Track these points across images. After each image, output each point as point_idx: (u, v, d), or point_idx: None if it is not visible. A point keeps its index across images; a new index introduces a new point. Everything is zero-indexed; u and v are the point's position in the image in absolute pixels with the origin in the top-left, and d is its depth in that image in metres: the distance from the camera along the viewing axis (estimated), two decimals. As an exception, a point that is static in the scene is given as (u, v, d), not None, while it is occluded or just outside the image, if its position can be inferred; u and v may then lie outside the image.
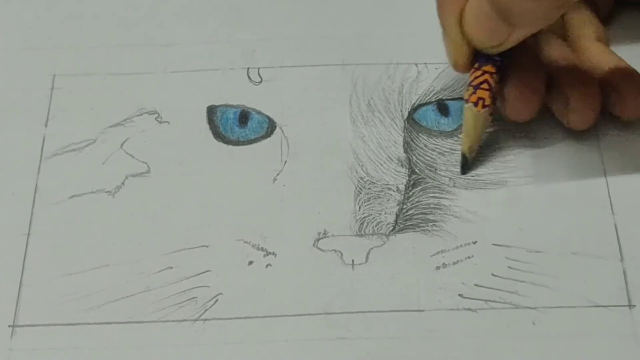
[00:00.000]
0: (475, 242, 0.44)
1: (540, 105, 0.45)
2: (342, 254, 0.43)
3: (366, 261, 0.43)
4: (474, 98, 0.44)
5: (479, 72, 0.44)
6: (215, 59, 0.50)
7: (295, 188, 0.46)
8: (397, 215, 0.44)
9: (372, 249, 0.43)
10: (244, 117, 0.48)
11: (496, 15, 0.41)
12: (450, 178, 0.46)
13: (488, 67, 0.44)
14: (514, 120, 0.46)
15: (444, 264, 0.43)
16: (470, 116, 0.45)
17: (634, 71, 0.46)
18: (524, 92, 0.45)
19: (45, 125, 0.48)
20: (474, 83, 0.45)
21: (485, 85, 0.44)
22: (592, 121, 0.46)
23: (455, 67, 0.45)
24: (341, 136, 0.47)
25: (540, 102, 0.45)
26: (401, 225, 0.44)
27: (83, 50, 0.51)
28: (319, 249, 0.44)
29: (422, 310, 0.42)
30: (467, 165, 0.46)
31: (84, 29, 0.52)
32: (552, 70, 0.46)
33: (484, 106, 0.44)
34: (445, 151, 0.47)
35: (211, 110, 0.48)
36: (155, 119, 0.48)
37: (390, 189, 0.45)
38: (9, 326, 0.42)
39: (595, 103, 0.45)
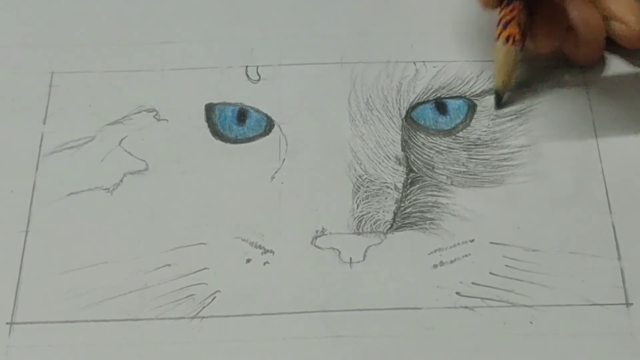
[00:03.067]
0: (472, 241, 0.44)
1: (561, 40, 0.48)
2: (340, 252, 0.43)
3: (364, 259, 0.43)
4: (504, 35, 0.46)
5: (508, 9, 0.46)
6: (214, 57, 0.50)
7: (293, 186, 0.46)
8: (395, 214, 0.44)
9: (370, 247, 0.43)
10: (242, 115, 0.48)
11: None
12: (447, 176, 0.46)
13: (516, 4, 0.46)
14: (538, 52, 0.48)
15: (441, 262, 0.43)
16: (501, 53, 0.46)
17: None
18: (549, 26, 0.47)
19: (44, 123, 0.48)
20: (503, 20, 0.46)
21: (514, 22, 0.46)
22: (598, 54, 0.49)
23: (485, 4, 0.47)
24: (339, 134, 0.47)
25: (561, 36, 0.48)
26: (399, 224, 0.44)
27: (81, 47, 0.51)
28: (317, 247, 0.44)
29: (420, 308, 0.42)
30: (501, 101, 0.47)
31: (83, 27, 0.52)
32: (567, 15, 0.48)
33: (514, 42, 0.46)
34: (443, 150, 0.47)
35: (209, 108, 0.48)
36: (154, 116, 0.48)
37: (388, 187, 0.45)
38: (7, 323, 0.42)
39: (601, 36, 0.48)
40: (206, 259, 0.43)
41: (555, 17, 0.47)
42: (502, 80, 0.47)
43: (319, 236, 0.44)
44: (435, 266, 0.43)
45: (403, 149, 0.47)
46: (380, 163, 0.46)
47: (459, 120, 0.48)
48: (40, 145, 0.47)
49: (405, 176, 0.46)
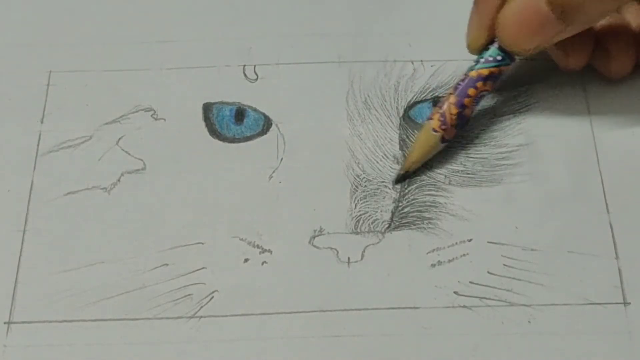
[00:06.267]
0: (470, 240, 0.44)
1: (589, 57, 0.47)
2: (337, 252, 0.43)
3: (362, 259, 0.43)
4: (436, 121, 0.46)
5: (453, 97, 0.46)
6: (211, 56, 0.50)
7: (291, 185, 0.46)
8: (393, 213, 0.44)
9: (367, 246, 0.43)
10: (240, 114, 0.48)
11: (553, 11, 0.43)
12: (445, 176, 0.46)
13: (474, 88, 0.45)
14: (568, 70, 0.48)
15: (439, 261, 0.43)
16: (424, 135, 0.46)
17: None
18: (576, 45, 0.47)
19: (41, 122, 0.48)
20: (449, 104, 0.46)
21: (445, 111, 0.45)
22: (630, 67, 0.48)
23: (468, 47, 0.47)
24: (337, 133, 0.47)
25: (590, 53, 0.47)
26: (397, 223, 0.44)
27: (79, 46, 0.51)
28: (315, 246, 0.44)
29: (418, 308, 0.42)
30: (404, 179, 0.46)
31: (80, 26, 0.52)
32: (595, 29, 0.47)
33: (440, 130, 0.46)
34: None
35: (207, 108, 0.48)
36: (151, 116, 0.48)
37: (386, 186, 0.45)
38: (5, 323, 0.42)
39: (633, 53, 0.48)
40: (204, 258, 0.43)
41: (583, 31, 0.46)
42: (415, 160, 0.45)
43: (317, 236, 0.44)
44: (433, 265, 0.43)
45: (401, 148, 0.47)
46: (378, 162, 0.46)
47: (456, 119, 0.48)
48: (37, 144, 0.47)
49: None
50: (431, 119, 0.46)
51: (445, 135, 0.45)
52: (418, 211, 0.44)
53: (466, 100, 0.45)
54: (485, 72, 0.46)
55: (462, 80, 0.46)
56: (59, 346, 0.41)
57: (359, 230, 0.44)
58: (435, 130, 0.45)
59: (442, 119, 0.45)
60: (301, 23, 0.52)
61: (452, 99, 0.45)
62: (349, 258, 0.43)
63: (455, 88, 0.46)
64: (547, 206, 0.45)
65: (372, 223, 0.44)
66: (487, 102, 0.48)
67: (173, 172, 0.46)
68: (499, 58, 0.45)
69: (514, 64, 0.47)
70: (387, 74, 0.49)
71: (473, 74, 0.46)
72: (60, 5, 0.53)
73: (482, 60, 0.46)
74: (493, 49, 0.45)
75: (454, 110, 0.45)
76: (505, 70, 0.46)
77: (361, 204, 0.44)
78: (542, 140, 0.47)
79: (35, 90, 0.49)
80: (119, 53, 0.50)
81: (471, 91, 0.45)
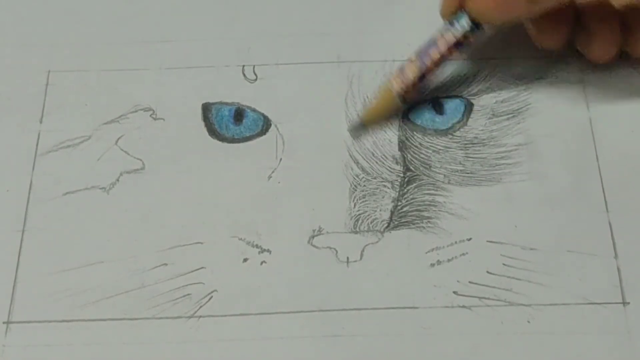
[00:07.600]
0: (469, 239, 0.44)
1: (567, 37, 0.47)
2: (336, 251, 0.43)
3: (361, 258, 0.43)
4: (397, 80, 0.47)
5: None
6: (211, 56, 0.50)
7: (290, 185, 0.46)
8: (392, 212, 0.44)
9: (366, 246, 0.43)
10: (239, 114, 0.48)
11: None
12: (445, 175, 0.46)
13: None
14: (543, 48, 0.48)
15: (438, 260, 0.43)
16: (383, 93, 0.47)
17: None
18: (551, 23, 0.46)
19: (40, 122, 0.48)
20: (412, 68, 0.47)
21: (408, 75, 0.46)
22: (612, 54, 0.48)
23: (440, 13, 0.47)
24: (336, 134, 0.47)
25: (567, 33, 0.47)
26: (396, 222, 0.44)
27: (78, 46, 0.51)
28: (314, 246, 0.44)
29: (417, 307, 0.42)
30: (359, 132, 0.47)
31: (79, 25, 0.52)
32: (578, 7, 0.47)
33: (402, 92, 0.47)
34: (440, 149, 0.47)
35: (206, 108, 0.48)
36: (150, 115, 0.48)
37: (385, 186, 0.45)
38: (4, 323, 0.42)
39: (616, 36, 0.47)
40: (203, 258, 0.43)
41: (561, 13, 0.46)
42: (371, 113, 0.47)
43: (316, 235, 0.44)
44: (432, 265, 0.43)
45: (400, 149, 0.47)
46: (377, 162, 0.46)
47: (456, 120, 0.48)
48: (36, 144, 0.47)
49: (402, 175, 0.46)
50: (393, 77, 0.47)
51: (404, 95, 0.46)
52: (417, 210, 0.44)
53: (429, 63, 0.46)
54: (451, 38, 0.46)
55: (428, 44, 0.46)
56: (58, 346, 0.41)
57: (358, 229, 0.44)
58: (394, 89, 0.46)
59: (403, 78, 0.46)
60: (300, 23, 0.52)
61: (415, 60, 0.46)
62: (348, 257, 0.43)
63: (420, 51, 0.47)
64: (547, 205, 0.45)
65: (371, 222, 0.44)
66: (486, 101, 0.48)
67: (172, 172, 0.46)
68: (467, 26, 0.46)
69: (513, 64, 0.47)
70: (386, 74, 0.49)
71: (439, 38, 0.46)
72: (59, 5, 0.53)
73: (451, 26, 0.46)
74: (463, 17, 0.46)
75: (416, 72, 0.46)
76: (472, 38, 0.46)
77: (360, 203, 0.44)
78: (541, 140, 0.47)
79: (34, 89, 0.49)
80: (118, 53, 0.50)
81: (435, 55, 0.46)
